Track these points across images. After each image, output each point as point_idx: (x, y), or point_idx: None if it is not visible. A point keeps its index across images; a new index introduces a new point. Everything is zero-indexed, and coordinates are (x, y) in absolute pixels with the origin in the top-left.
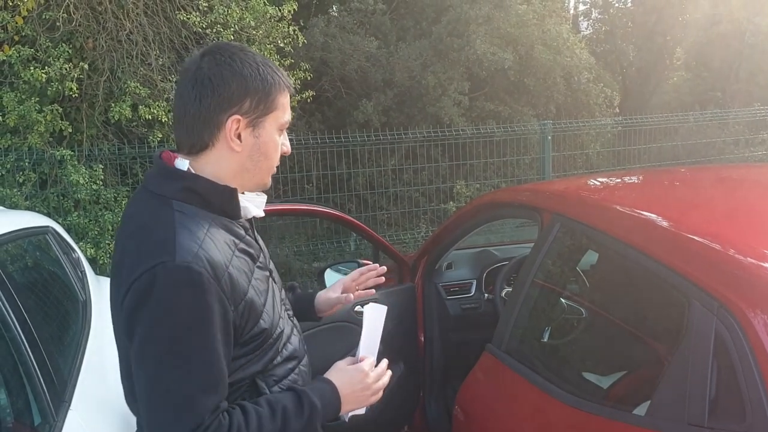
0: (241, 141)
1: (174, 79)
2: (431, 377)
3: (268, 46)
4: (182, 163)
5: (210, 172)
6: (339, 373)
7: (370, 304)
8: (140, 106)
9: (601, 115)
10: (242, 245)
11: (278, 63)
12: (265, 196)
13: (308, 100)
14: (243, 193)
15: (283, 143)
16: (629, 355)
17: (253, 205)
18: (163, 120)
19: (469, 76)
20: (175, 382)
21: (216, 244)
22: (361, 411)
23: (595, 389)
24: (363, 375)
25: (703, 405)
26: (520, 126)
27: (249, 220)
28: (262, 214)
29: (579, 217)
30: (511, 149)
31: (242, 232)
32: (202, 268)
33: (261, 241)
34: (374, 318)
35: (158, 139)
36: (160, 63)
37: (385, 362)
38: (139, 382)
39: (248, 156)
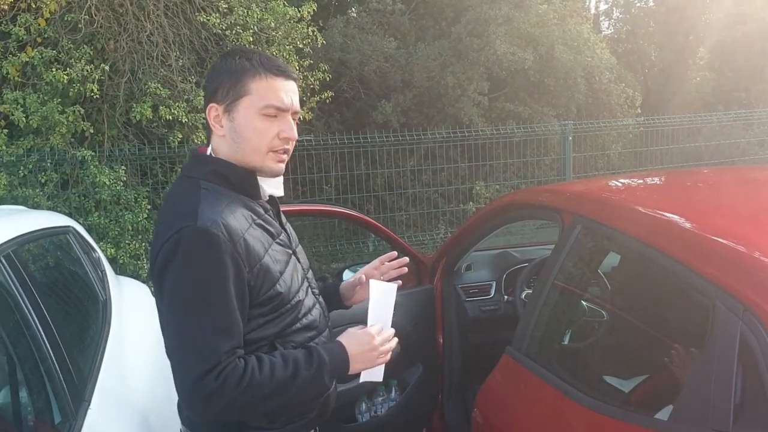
0: (222, 126)
1: (194, 80)
2: (450, 379)
3: (287, 47)
4: (208, 151)
5: (227, 155)
6: (348, 336)
7: (375, 279)
8: (161, 107)
9: (622, 115)
10: (260, 221)
11: (297, 63)
12: (280, 178)
13: (327, 101)
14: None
15: (282, 129)
16: (651, 358)
17: (268, 185)
18: (183, 120)
19: (489, 76)
20: (195, 328)
21: (234, 215)
22: (378, 377)
23: (616, 393)
24: (370, 337)
25: (727, 411)
26: (541, 126)
27: (275, 208)
28: (280, 193)
29: (600, 218)
30: (531, 150)
31: (261, 210)
32: (219, 231)
33: (289, 228)
34: (381, 293)
35: (178, 139)
36: (180, 64)
37: (392, 330)
38: (166, 333)
39: (231, 139)
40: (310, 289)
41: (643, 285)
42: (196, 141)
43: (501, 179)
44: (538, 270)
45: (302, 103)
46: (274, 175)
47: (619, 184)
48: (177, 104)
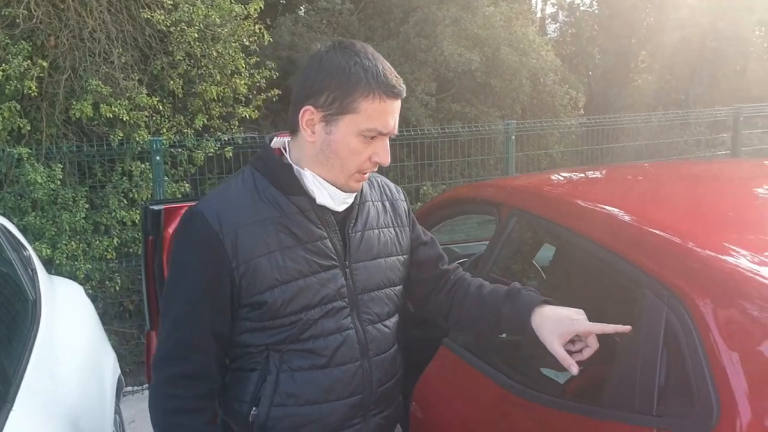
0: (314, 133)
1: (136, 78)
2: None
3: (234, 44)
4: (278, 141)
5: (295, 153)
6: None
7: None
8: (102, 105)
9: (566, 116)
10: (284, 220)
11: (243, 61)
12: (353, 196)
13: (274, 99)
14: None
15: (375, 153)
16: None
17: (329, 195)
18: (125, 119)
19: (437, 77)
20: (167, 309)
21: (239, 206)
22: None
23: (551, 384)
24: None
25: (652, 393)
26: (485, 126)
27: (330, 214)
28: (337, 209)
29: (534, 209)
30: (476, 150)
31: (294, 209)
32: (209, 216)
33: (352, 240)
34: None
35: (119, 138)
36: (123, 61)
37: None
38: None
39: (320, 149)
40: (351, 314)
41: (577, 276)
42: (137, 140)
43: (447, 179)
44: (476, 263)
45: (248, 101)
46: (352, 192)
47: (556, 178)
48: (118, 102)
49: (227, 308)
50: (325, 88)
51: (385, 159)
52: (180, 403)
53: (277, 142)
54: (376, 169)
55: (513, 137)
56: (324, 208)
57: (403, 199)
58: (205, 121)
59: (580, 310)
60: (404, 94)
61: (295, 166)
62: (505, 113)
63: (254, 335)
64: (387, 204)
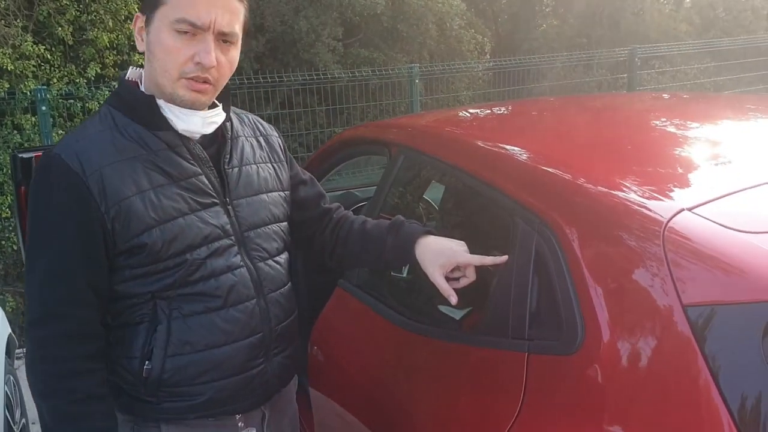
0: (143, 40)
1: (20, 24)
2: (299, 320)
3: None
4: (134, 72)
5: (144, 80)
6: None
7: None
8: None
9: (473, 61)
10: (153, 158)
11: (137, 6)
12: (215, 113)
13: None
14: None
15: (197, 53)
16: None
17: (181, 118)
18: (10, 69)
19: (343, 21)
20: (31, 267)
21: (100, 145)
22: None
23: (447, 319)
24: None
25: (524, 318)
26: (389, 70)
27: (201, 149)
28: (204, 131)
29: (418, 146)
30: (385, 95)
31: (162, 145)
32: (68, 159)
33: (230, 176)
34: None
35: (5, 89)
36: (4, 6)
37: None
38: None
39: (147, 57)
40: (240, 252)
41: (462, 210)
42: (24, 91)
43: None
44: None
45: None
46: (188, 106)
47: (445, 116)
48: (2, 51)
49: (102, 257)
50: None
51: (207, 59)
52: (65, 366)
53: (133, 73)
54: (210, 77)
55: (417, 81)
56: (194, 143)
57: (277, 135)
58: (99, 70)
59: (462, 242)
60: None
61: (154, 96)
62: (413, 59)
63: (137, 283)
64: (261, 140)
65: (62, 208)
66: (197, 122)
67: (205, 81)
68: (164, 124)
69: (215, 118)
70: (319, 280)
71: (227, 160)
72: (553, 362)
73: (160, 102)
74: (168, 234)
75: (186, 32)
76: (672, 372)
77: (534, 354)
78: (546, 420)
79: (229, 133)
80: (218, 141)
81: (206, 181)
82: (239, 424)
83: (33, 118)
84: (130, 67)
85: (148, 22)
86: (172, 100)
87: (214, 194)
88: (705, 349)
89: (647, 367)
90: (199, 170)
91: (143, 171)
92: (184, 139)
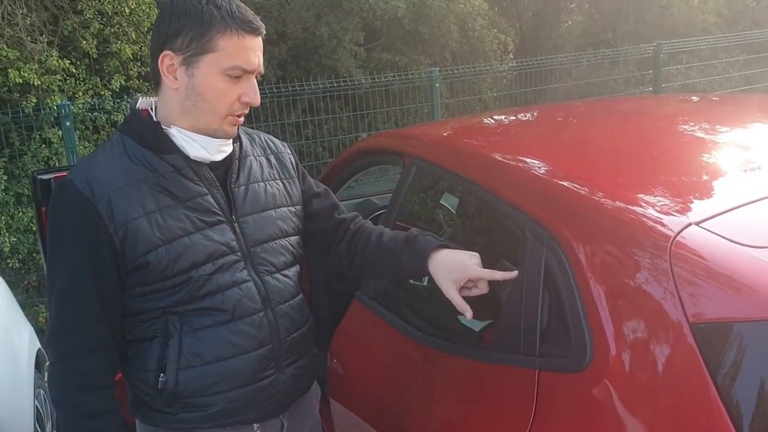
0: (176, 79)
1: (45, 40)
2: (318, 330)
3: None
4: (144, 101)
5: (162, 109)
6: None
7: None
8: (10, 70)
9: (496, 61)
10: (159, 180)
11: (155, 16)
12: (228, 142)
13: None
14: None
15: (244, 93)
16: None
17: (201, 146)
18: (36, 84)
19: (364, 26)
20: (52, 287)
21: (109, 170)
22: None
23: (468, 332)
24: None
25: (535, 335)
26: (409, 75)
27: (208, 170)
28: (215, 158)
29: (429, 157)
30: (408, 98)
31: (169, 168)
32: (80, 186)
33: (236, 195)
34: None
35: (33, 104)
36: (29, 22)
37: None
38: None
39: (185, 95)
40: (247, 267)
41: (472, 222)
42: (51, 105)
43: (383, 129)
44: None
45: None
46: (228, 138)
47: (458, 126)
48: (28, 66)
49: (112, 275)
50: (180, 31)
51: (255, 98)
52: (80, 379)
53: (143, 102)
54: (247, 111)
55: (437, 85)
56: (201, 165)
57: (290, 152)
58: (123, 82)
59: (475, 254)
60: (263, 31)
61: (162, 124)
62: (435, 60)
63: (147, 299)
64: (272, 158)
65: (75, 231)
66: (210, 149)
67: (242, 114)
68: (171, 148)
69: (225, 147)
70: (339, 288)
71: (234, 179)
72: (563, 380)
73: (173, 130)
74: (173, 253)
75: (238, 77)
76: (679, 389)
77: (544, 371)
78: None
79: (237, 153)
80: (226, 162)
81: (212, 201)
82: None
83: (60, 132)
84: (140, 97)
85: (189, 63)
86: (215, 134)
87: (219, 213)
88: (712, 367)
89: (655, 384)
90: (205, 190)
91: (150, 193)
92: (191, 161)
